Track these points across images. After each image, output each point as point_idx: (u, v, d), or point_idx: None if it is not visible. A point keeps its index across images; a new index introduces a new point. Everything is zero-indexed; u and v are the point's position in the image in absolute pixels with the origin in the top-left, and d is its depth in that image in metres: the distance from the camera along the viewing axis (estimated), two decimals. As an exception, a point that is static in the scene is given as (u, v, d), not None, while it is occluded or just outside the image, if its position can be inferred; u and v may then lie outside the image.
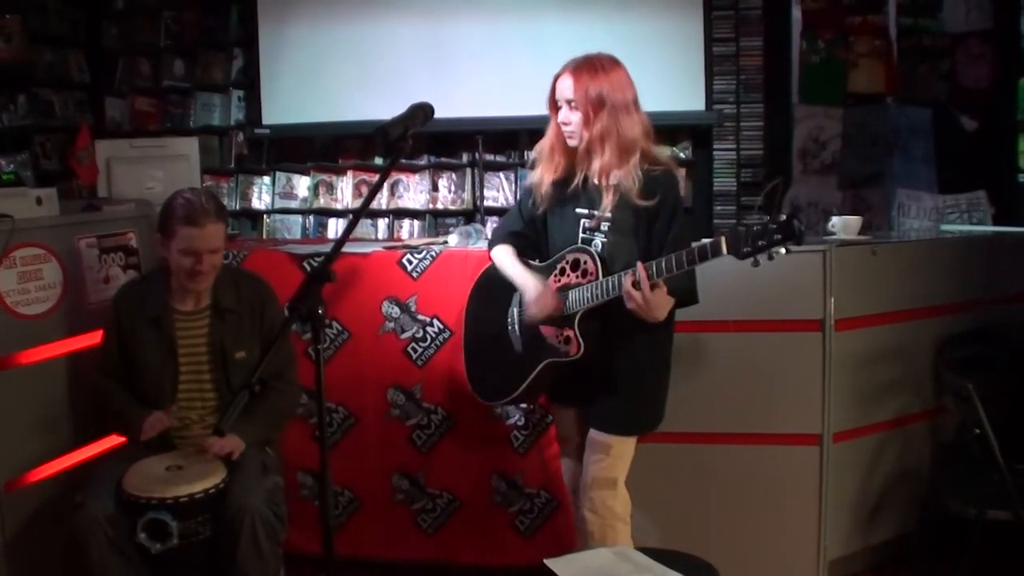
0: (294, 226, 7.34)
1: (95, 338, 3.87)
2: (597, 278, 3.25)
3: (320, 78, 6.95)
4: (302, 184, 7.34)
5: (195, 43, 7.46)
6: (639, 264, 3.08)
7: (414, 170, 7.02)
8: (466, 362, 3.85)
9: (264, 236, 7.30)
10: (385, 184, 6.75)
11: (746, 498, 4.07)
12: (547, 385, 3.57)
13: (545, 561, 2.97)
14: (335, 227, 7.23)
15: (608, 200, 3.28)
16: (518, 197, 3.62)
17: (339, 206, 7.21)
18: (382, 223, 7.14)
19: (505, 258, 3.58)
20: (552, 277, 3.41)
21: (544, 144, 3.47)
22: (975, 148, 6.27)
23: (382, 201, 7.04)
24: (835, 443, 4.01)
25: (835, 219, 4.40)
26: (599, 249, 3.33)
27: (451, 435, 4.25)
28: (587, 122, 3.28)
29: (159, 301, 3.65)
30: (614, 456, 3.45)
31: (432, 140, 6.88)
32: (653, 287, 3.08)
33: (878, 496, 4.22)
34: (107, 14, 7.55)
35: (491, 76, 6.40)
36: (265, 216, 7.39)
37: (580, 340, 3.28)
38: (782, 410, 4.03)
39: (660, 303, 3.14)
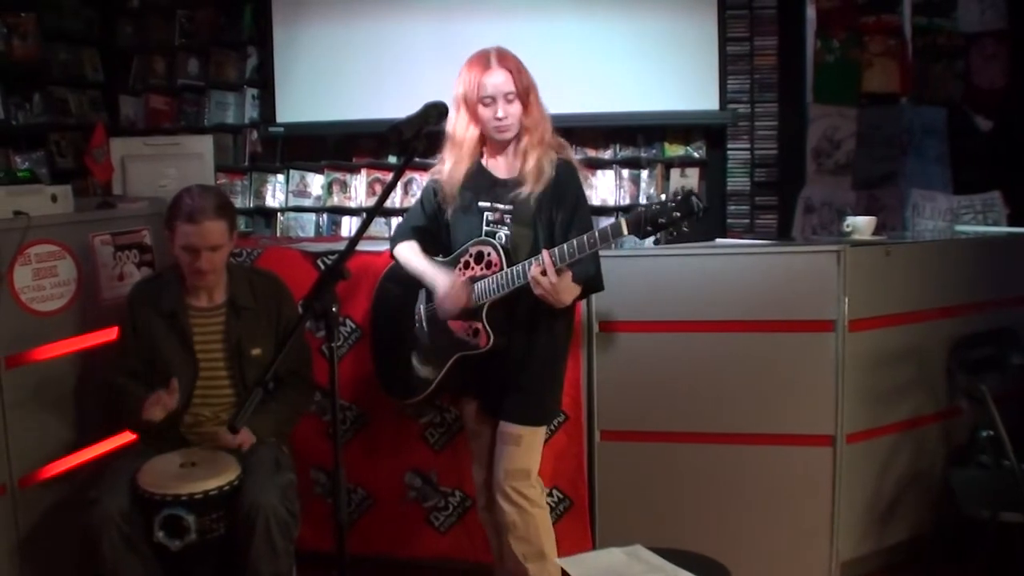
0: (308, 224, 7.34)
1: (109, 335, 3.88)
2: (501, 269, 3.31)
3: (334, 77, 6.96)
4: (316, 182, 7.35)
5: (209, 42, 7.46)
6: (544, 251, 3.12)
7: (427, 169, 6.96)
8: (375, 363, 3.89)
9: (278, 234, 7.31)
10: (399, 183, 6.75)
11: (759, 499, 4.06)
12: (458, 379, 3.57)
13: (558, 560, 2.98)
14: (349, 225, 7.24)
15: (533, 188, 3.32)
16: (421, 194, 3.68)
17: (353, 204, 7.22)
18: (396, 221, 7.09)
19: (410, 255, 3.57)
20: (456, 270, 3.43)
21: (459, 141, 3.45)
22: (990, 148, 6.25)
23: (396, 200, 7.04)
24: (848, 444, 4.00)
25: (849, 219, 4.39)
26: (502, 241, 3.37)
27: (464, 434, 4.24)
28: (526, 112, 3.35)
29: (174, 297, 3.66)
30: (525, 447, 3.47)
31: (445, 139, 6.86)
32: (559, 272, 3.13)
33: (891, 497, 4.21)
34: (121, 13, 7.56)
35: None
36: (279, 214, 7.39)
37: (488, 331, 3.34)
38: (795, 411, 4.02)
39: (566, 288, 3.19)
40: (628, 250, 4.17)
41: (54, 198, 3.87)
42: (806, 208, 6.46)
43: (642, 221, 3.00)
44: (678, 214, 2.95)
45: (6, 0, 6.37)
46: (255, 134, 7.39)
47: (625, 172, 6.80)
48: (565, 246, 3.13)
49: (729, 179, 6.66)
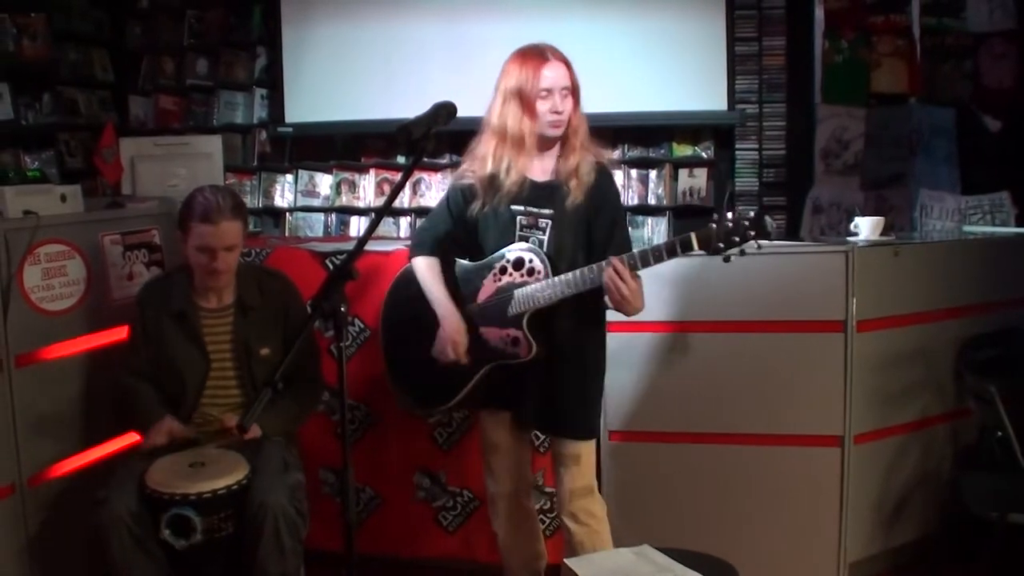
0: (316, 224, 7.35)
1: (119, 334, 3.89)
2: (546, 277, 3.21)
3: (343, 77, 6.97)
4: (325, 182, 7.36)
5: (218, 42, 7.48)
6: (613, 257, 3.07)
7: (436, 169, 7.02)
8: (389, 370, 3.76)
9: (287, 234, 7.32)
10: (407, 183, 6.76)
11: (767, 499, 4.06)
12: (486, 389, 3.45)
13: (565, 561, 2.97)
14: (357, 225, 7.25)
15: (575, 194, 3.25)
16: (447, 194, 3.55)
17: (361, 204, 7.23)
18: (404, 221, 7.14)
19: (427, 274, 3.46)
20: (491, 276, 3.34)
21: (514, 135, 3.29)
22: (998, 149, 6.24)
23: (404, 200, 7.05)
24: (856, 445, 4.00)
25: (857, 220, 4.38)
26: (543, 247, 3.29)
27: (472, 433, 4.25)
28: (576, 108, 3.30)
29: (183, 297, 3.67)
30: (584, 464, 3.44)
31: (454, 139, 6.84)
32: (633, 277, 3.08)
33: (899, 498, 4.21)
34: (131, 13, 7.59)
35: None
36: (288, 214, 7.41)
37: (531, 340, 3.25)
38: (803, 411, 4.02)
39: (639, 294, 3.14)
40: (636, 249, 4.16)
41: (64, 198, 3.88)
42: (814, 208, 6.46)
43: (713, 237, 2.96)
44: (752, 233, 2.92)
45: (16, 1, 6.39)
46: (264, 134, 7.41)
47: (633, 172, 6.81)
48: (637, 253, 3.08)
49: (737, 179, 6.66)
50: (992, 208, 5.75)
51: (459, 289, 3.45)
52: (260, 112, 7.41)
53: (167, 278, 3.82)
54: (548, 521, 4.23)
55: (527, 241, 3.31)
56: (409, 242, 3.71)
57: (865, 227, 4.31)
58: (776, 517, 4.06)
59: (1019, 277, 4.46)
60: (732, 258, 2.99)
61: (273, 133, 7.28)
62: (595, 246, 3.26)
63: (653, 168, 6.77)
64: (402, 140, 3.01)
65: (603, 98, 6.46)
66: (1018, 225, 5.56)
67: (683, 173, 6.71)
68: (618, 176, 6.68)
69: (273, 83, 7.27)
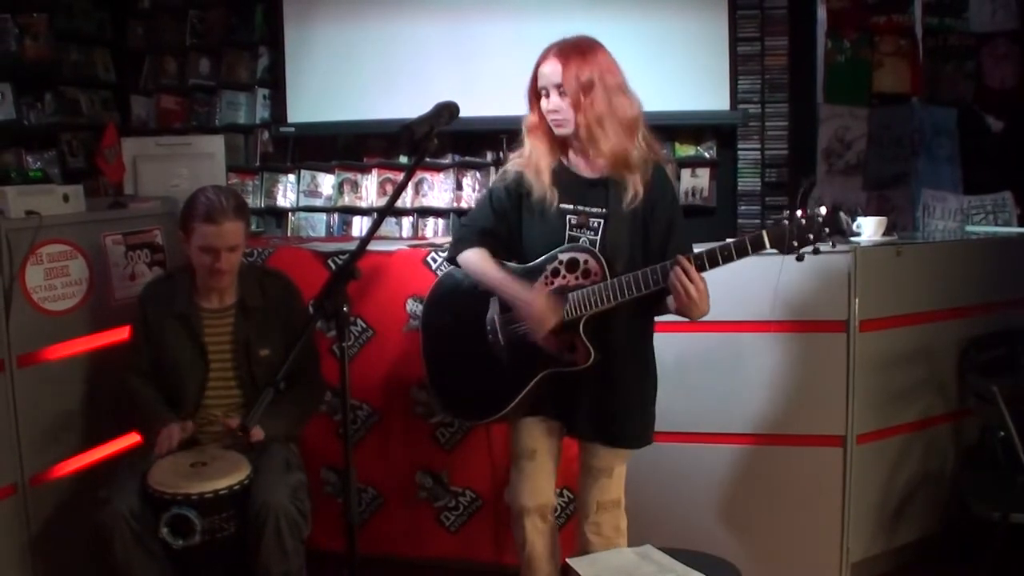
0: (319, 224, 7.35)
1: (121, 334, 3.90)
2: (603, 279, 3.05)
3: (345, 77, 6.97)
4: (327, 182, 7.36)
5: (220, 42, 7.48)
6: (680, 257, 2.91)
7: (439, 169, 7.02)
8: (431, 380, 3.54)
9: (289, 234, 7.32)
10: (410, 183, 6.76)
11: (769, 499, 4.06)
12: (537, 398, 3.26)
13: (568, 560, 2.98)
14: (359, 225, 7.24)
15: (633, 186, 3.09)
16: (489, 190, 3.40)
17: (364, 204, 7.22)
18: (407, 221, 7.14)
19: (482, 263, 3.25)
20: (543, 279, 3.15)
21: (531, 130, 3.25)
22: (1001, 149, 6.23)
23: (407, 200, 7.04)
24: (859, 445, 4.00)
25: (860, 220, 4.38)
26: (597, 248, 3.12)
27: (475, 433, 4.25)
28: (578, 107, 3.08)
29: (185, 298, 3.68)
30: (616, 477, 3.35)
31: (457, 139, 6.87)
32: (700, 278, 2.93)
33: (901, 498, 4.21)
34: (133, 13, 7.59)
35: (516, 75, 6.33)
36: (290, 214, 7.40)
37: (589, 347, 3.07)
38: (806, 411, 4.02)
39: (706, 295, 2.96)
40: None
41: (66, 198, 3.88)
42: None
43: (787, 236, 2.86)
44: (827, 230, 2.82)
45: (18, 1, 6.39)
46: (266, 134, 7.41)
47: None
48: (705, 253, 2.93)
49: (740, 179, 6.65)
50: (994, 208, 5.74)
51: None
52: (262, 112, 7.41)
53: (169, 278, 3.82)
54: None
55: (578, 241, 3.14)
56: (414, 242, 3.65)
57: (868, 227, 4.30)
58: (778, 517, 4.06)
59: (1021, 277, 4.46)
60: (805, 256, 2.88)
61: (275, 133, 7.28)
62: (652, 245, 3.13)
63: (656, 168, 6.76)
64: (404, 140, 3.00)
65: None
66: (1020, 225, 5.55)
67: (686, 173, 6.69)
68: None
69: (275, 83, 7.27)
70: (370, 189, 7.21)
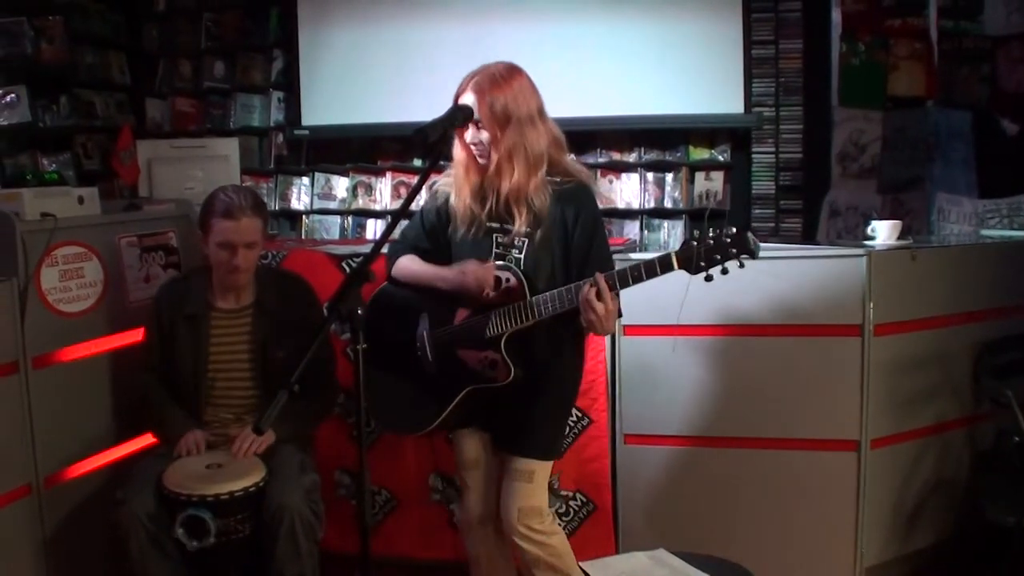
0: (333, 227, 7.36)
1: (135, 336, 3.91)
2: (523, 296, 3.08)
3: (359, 80, 6.98)
4: (341, 185, 7.37)
5: (235, 45, 7.49)
6: (598, 275, 2.93)
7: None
8: (367, 393, 3.57)
9: (303, 236, 7.33)
10: (424, 186, 6.76)
11: (783, 503, 4.05)
12: (465, 412, 3.32)
13: (581, 564, 2.98)
14: (374, 228, 7.25)
15: (521, 219, 3.13)
16: (421, 209, 3.50)
17: (378, 207, 7.23)
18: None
19: (414, 264, 3.35)
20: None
21: (457, 162, 3.25)
22: (1016, 152, 6.21)
23: (421, 203, 7.03)
24: (873, 449, 3.99)
25: (874, 223, 4.37)
26: (520, 265, 3.15)
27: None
28: (495, 141, 3.09)
29: (200, 299, 3.69)
30: (537, 483, 3.31)
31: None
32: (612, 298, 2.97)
33: (916, 503, 4.19)
34: (148, 16, 7.60)
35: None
36: (304, 216, 7.41)
37: (509, 363, 3.11)
38: (820, 415, 4.01)
39: (614, 315, 3.01)
40: (652, 254, 4.14)
41: (81, 200, 3.90)
42: (831, 212, 6.45)
43: (694, 257, 2.86)
44: (734, 250, 2.84)
45: (34, 4, 6.41)
46: (280, 137, 7.41)
47: (650, 175, 6.79)
48: (616, 273, 2.95)
49: (754, 183, 6.64)
50: (1010, 212, 5.73)
51: (441, 309, 3.32)
52: (277, 115, 7.42)
53: (185, 279, 3.84)
54: (563, 525, 4.23)
55: (504, 259, 3.19)
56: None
57: (882, 231, 4.29)
58: (792, 522, 4.05)
59: (1037, 281, 4.45)
60: (708, 278, 2.88)
61: (290, 136, 7.29)
62: (571, 266, 3.16)
63: (669, 171, 6.76)
64: (418, 143, 3.01)
65: (619, 101, 6.49)
66: (1035, 229, 5.54)
67: (699, 176, 6.70)
68: (634, 179, 6.72)
69: (290, 86, 7.28)
70: (384, 192, 7.22)
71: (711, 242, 2.85)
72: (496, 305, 3.13)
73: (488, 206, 3.21)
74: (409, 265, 3.36)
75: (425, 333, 3.34)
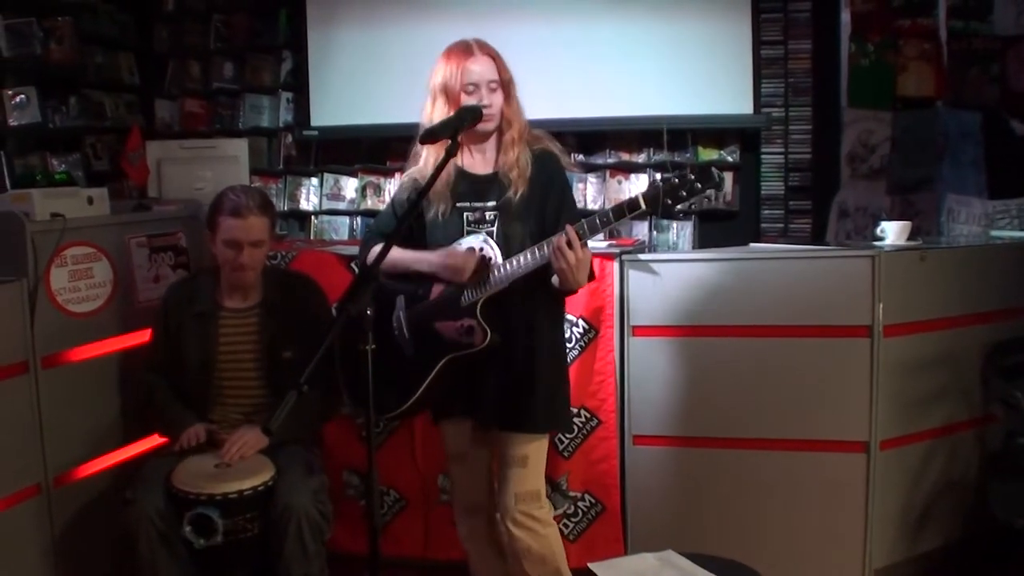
0: (342, 227, 7.36)
1: (144, 336, 3.92)
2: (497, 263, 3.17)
3: (368, 80, 6.98)
4: (350, 185, 7.36)
5: (244, 46, 7.50)
6: (568, 225, 2.97)
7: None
8: (346, 383, 3.55)
9: (312, 237, 7.34)
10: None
11: (792, 505, 4.05)
12: (446, 387, 3.30)
13: (590, 565, 2.98)
14: (382, 229, 7.24)
15: (515, 187, 3.21)
16: (392, 199, 3.53)
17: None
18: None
19: (394, 252, 3.19)
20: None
21: (439, 145, 3.17)
22: (1026, 153, 6.21)
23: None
24: (882, 451, 3.98)
25: (884, 224, 4.37)
26: (493, 238, 3.22)
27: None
28: (508, 101, 3.24)
29: (208, 298, 3.70)
30: (532, 466, 3.32)
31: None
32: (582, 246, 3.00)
33: (925, 504, 4.18)
34: (157, 17, 7.62)
35: (538, 79, 6.32)
36: (313, 217, 7.42)
37: (485, 327, 3.15)
38: (829, 417, 4.00)
39: (587, 265, 3.05)
40: (662, 254, 4.16)
41: (90, 200, 3.91)
42: (840, 213, 6.43)
43: (660, 195, 2.89)
44: (699, 185, 2.88)
45: (44, 5, 6.42)
46: (289, 137, 7.42)
47: (659, 176, 6.77)
48: (585, 221, 3.00)
49: (763, 183, 6.63)
50: (1020, 212, 5.71)
51: (415, 288, 3.36)
52: (286, 115, 7.43)
53: (193, 279, 3.86)
54: (572, 526, 4.23)
55: (475, 235, 3.24)
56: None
57: (891, 232, 4.29)
58: (801, 523, 4.04)
59: (1046, 282, 4.44)
60: (681, 214, 2.95)
61: (299, 136, 7.30)
62: (547, 228, 3.19)
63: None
64: (426, 144, 3.02)
65: (628, 101, 6.49)
66: (1046, 230, 5.53)
67: (708, 177, 6.69)
68: (643, 179, 6.71)
69: (299, 86, 7.29)
70: (393, 192, 7.20)
71: (675, 180, 2.89)
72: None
73: (458, 184, 3.28)
74: (390, 253, 3.21)
75: (401, 313, 3.36)
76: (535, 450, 3.33)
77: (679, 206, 2.92)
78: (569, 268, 2.97)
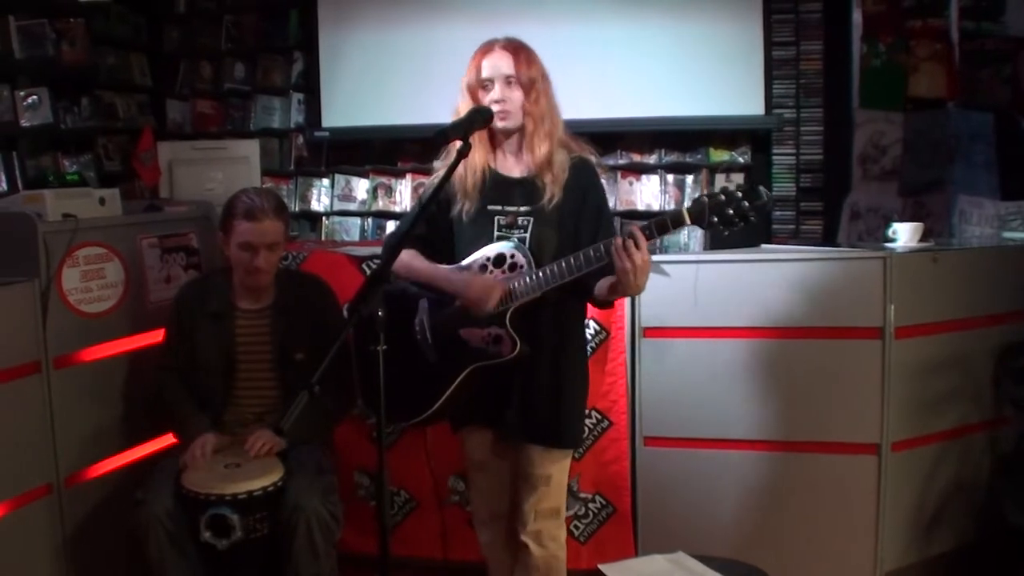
0: (353, 228, 7.37)
1: (156, 337, 3.93)
2: (530, 272, 3.04)
3: (379, 81, 6.99)
4: (361, 186, 7.38)
5: (256, 47, 7.53)
6: (633, 227, 2.86)
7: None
8: (363, 388, 3.63)
9: (323, 238, 7.35)
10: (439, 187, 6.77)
11: (803, 507, 4.04)
12: (467, 397, 3.22)
13: (600, 567, 2.98)
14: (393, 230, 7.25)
15: (548, 190, 3.10)
16: (419, 201, 3.39)
17: (398, 209, 7.23)
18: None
19: (413, 261, 3.22)
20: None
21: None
22: (1038, 154, 6.19)
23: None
24: (893, 452, 3.97)
25: (895, 226, 4.36)
26: (526, 244, 3.10)
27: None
28: (528, 98, 3.12)
29: (222, 298, 3.71)
30: (555, 485, 3.27)
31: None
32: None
33: (936, 507, 4.17)
34: (169, 18, 7.66)
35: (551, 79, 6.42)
36: (324, 218, 7.44)
37: (514, 337, 3.05)
38: (840, 418, 3.99)
39: (648, 271, 2.91)
40: (673, 255, 4.15)
41: (102, 201, 3.91)
42: (852, 214, 6.42)
43: (706, 211, 2.79)
44: (747, 203, 2.75)
45: (56, 6, 6.44)
46: (301, 138, 7.44)
47: (670, 177, 6.79)
48: (643, 227, 2.87)
49: (774, 184, 6.63)
50: (1032, 214, 5.70)
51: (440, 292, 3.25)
52: (297, 116, 7.45)
53: (206, 279, 3.86)
54: (582, 527, 4.23)
55: (507, 240, 3.13)
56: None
57: (903, 233, 4.28)
58: (812, 525, 4.03)
59: (1060, 284, 4.42)
60: (724, 231, 2.85)
61: (310, 137, 7.31)
62: (582, 237, 3.09)
63: (689, 173, 6.76)
64: (439, 144, 3.02)
65: (640, 102, 6.49)
66: (1058, 231, 5.51)
67: (720, 178, 6.69)
68: (654, 181, 6.70)
69: (310, 87, 7.31)
70: (404, 193, 7.23)
71: (722, 197, 2.79)
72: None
73: (489, 186, 3.19)
74: (407, 260, 3.22)
75: (425, 318, 3.28)
76: (559, 470, 3.29)
77: (724, 225, 2.80)
78: (635, 269, 2.85)
